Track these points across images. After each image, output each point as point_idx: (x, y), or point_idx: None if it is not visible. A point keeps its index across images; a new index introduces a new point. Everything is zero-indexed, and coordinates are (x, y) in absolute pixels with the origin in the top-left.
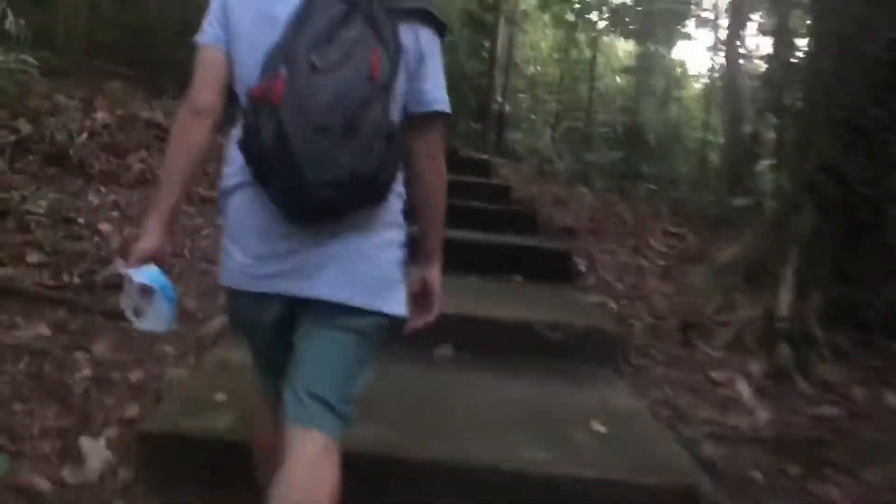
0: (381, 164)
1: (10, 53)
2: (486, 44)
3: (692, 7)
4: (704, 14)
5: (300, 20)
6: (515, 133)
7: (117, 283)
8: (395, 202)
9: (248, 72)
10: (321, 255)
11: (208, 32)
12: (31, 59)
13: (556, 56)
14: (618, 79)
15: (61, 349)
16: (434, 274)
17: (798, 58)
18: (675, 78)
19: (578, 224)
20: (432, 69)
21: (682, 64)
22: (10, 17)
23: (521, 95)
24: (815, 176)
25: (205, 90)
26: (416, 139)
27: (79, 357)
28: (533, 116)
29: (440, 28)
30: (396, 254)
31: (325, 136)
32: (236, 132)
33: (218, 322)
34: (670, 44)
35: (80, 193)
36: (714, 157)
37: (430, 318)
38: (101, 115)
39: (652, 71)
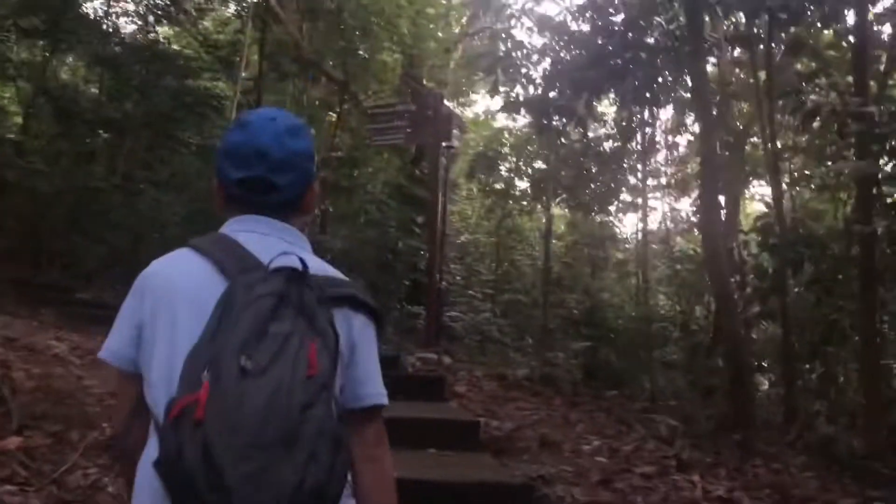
0: (329, 475)
1: None
2: (419, 218)
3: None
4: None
5: (223, 315)
6: (452, 309)
7: None
8: None
9: (165, 382)
10: None
11: (111, 345)
12: None
13: (485, 224)
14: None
15: None
16: None
17: None
18: (614, 245)
19: (594, 494)
20: (366, 358)
21: (615, 229)
22: None
23: (453, 266)
24: None
25: (119, 425)
26: (352, 439)
27: None
28: (471, 292)
29: (374, 313)
30: None
31: (261, 451)
32: (149, 453)
33: None
34: (606, 210)
35: None
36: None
37: None
38: None
39: (594, 239)
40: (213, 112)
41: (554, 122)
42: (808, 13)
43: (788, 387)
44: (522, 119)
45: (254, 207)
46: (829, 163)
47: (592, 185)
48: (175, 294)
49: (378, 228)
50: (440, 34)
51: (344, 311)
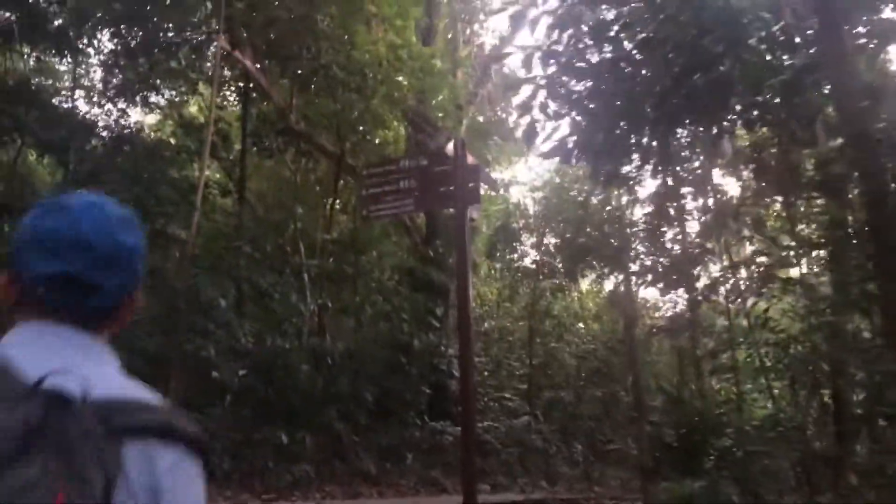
0: None
1: None
2: (437, 308)
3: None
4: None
5: None
6: (484, 417)
7: None
8: None
9: None
10: None
11: None
12: None
13: (507, 307)
14: (580, 325)
15: None
16: None
17: None
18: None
19: None
20: None
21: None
22: None
23: (477, 360)
24: None
25: None
26: None
27: None
28: (507, 395)
29: (195, 447)
30: None
31: None
32: None
33: None
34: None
35: None
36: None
37: None
38: None
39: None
40: (188, 203)
41: (623, 168)
42: None
43: None
44: (537, 193)
45: (58, 314)
46: None
47: (661, 256)
48: None
49: (388, 323)
50: (448, 92)
51: (146, 445)
